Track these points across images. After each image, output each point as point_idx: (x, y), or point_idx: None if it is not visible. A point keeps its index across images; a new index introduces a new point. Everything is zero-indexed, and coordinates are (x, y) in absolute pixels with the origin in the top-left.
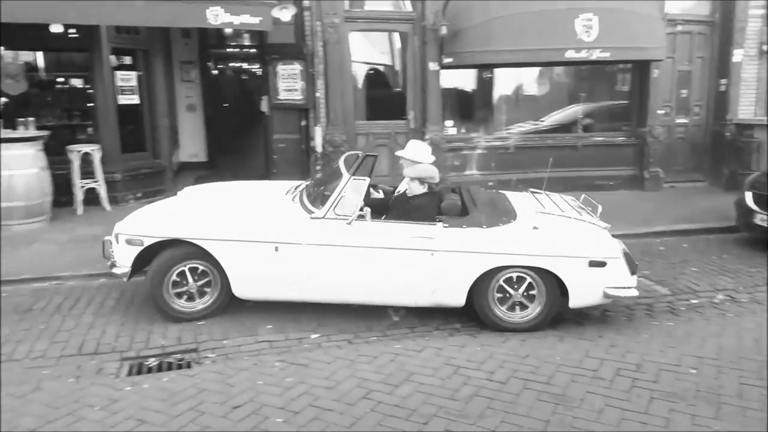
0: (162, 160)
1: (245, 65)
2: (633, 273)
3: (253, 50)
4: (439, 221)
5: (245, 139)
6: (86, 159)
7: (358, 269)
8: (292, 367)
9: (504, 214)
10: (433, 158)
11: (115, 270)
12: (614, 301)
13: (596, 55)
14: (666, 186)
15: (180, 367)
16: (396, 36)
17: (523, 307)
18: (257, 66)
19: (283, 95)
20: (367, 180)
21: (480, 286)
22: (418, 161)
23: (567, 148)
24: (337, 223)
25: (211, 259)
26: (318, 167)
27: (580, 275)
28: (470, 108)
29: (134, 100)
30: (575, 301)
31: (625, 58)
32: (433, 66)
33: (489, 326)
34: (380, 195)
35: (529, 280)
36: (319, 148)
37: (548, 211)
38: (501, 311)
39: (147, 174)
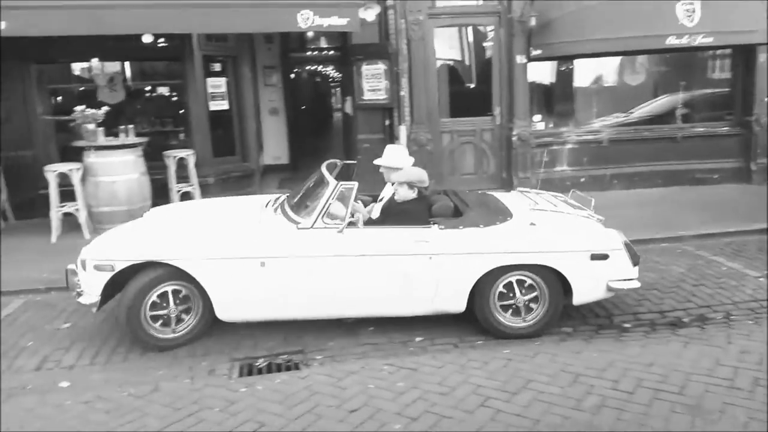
0: (250, 163)
1: (320, 68)
2: (635, 264)
3: (331, 52)
4: (435, 223)
5: (323, 140)
6: (181, 164)
7: (352, 280)
8: (402, 371)
9: (499, 213)
10: (412, 160)
11: (81, 300)
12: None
13: (699, 40)
14: None
15: (288, 368)
16: (480, 30)
17: (524, 311)
18: (331, 68)
19: (367, 95)
20: (356, 185)
21: (481, 290)
22: (398, 167)
23: (665, 140)
24: (326, 232)
25: (190, 280)
26: None
27: (583, 270)
28: (556, 101)
29: (224, 105)
30: (579, 297)
31: (729, 43)
32: (520, 59)
33: (491, 333)
34: (360, 205)
35: (531, 282)
36: None
37: (542, 207)
38: (503, 317)
39: (237, 177)
